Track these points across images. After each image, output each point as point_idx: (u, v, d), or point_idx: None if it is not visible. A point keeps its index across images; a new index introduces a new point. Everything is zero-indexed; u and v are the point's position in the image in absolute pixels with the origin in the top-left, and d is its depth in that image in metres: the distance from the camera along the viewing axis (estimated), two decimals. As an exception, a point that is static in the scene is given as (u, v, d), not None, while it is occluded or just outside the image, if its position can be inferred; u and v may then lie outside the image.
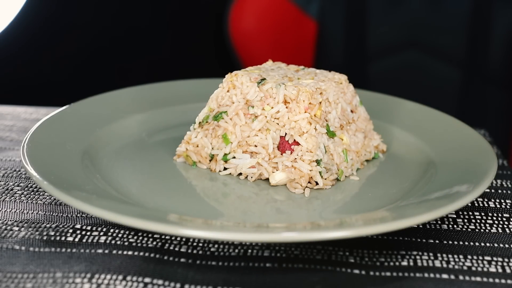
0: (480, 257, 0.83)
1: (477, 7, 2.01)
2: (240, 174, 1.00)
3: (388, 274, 0.78)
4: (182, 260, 0.80)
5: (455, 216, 0.93)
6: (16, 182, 1.00)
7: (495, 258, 0.82)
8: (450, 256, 0.83)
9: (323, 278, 0.77)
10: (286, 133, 0.98)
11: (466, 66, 2.06)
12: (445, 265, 0.80)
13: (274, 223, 0.85)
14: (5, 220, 0.88)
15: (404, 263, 0.81)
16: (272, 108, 0.99)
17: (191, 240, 0.84)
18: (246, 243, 0.83)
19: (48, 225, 0.87)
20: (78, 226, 0.87)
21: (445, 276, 0.78)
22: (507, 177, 1.07)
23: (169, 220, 0.80)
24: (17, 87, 2.08)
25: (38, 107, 1.40)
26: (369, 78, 2.15)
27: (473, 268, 0.80)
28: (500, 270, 0.80)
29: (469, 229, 0.90)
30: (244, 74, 1.03)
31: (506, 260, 0.82)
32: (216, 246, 0.83)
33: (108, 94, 1.21)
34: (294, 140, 0.97)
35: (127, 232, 0.85)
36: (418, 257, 0.82)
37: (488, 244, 0.86)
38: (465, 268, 0.80)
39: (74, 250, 0.81)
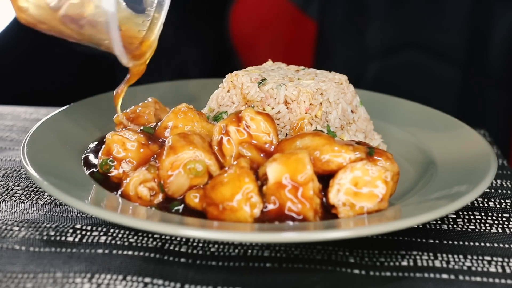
0: (480, 257, 0.83)
1: (477, 7, 2.01)
2: (240, 174, 1.00)
3: (388, 274, 0.78)
4: (182, 260, 0.80)
5: (455, 216, 0.93)
6: (16, 182, 1.00)
7: (495, 258, 0.82)
8: (450, 256, 0.83)
9: (323, 278, 0.77)
10: (286, 134, 0.98)
11: (466, 66, 2.06)
12: (445, 265, 0.80)
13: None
14: (5, 220, 0.88)
15: (404, 263, 0.81)
16: (272, 108, 0.99)
17: (191, 240, 0.84)
18: (246, 243, 0.83)
19: (48, 225, 0.87)
20: (78, 226, 0.87)
21: (445, 276, 0.78)
22: (507, 177, 1.07)
23: (169, 220, 0.80)
24: (17, 87, 2.08)
25: (38, 107, 1.40)
26: (369, 78, 2.15)
27: (473, 268, 0.80)
28: (500, 270, 0.80)
29: (469, 229, 0.90)
30: (244, 74, 1.03)
31: (506, 260, 0.82)
32: (216, 246, 0.83)
33: (108, 94, 1.21)
34: (294, 140, 0.97)
35: (127, 232, 0.85)
36: (418, 257, 0.82)
37: (488, 244, 0.86)
38: (465, 268, 0.80)
39: (74, 250, 0.81)
